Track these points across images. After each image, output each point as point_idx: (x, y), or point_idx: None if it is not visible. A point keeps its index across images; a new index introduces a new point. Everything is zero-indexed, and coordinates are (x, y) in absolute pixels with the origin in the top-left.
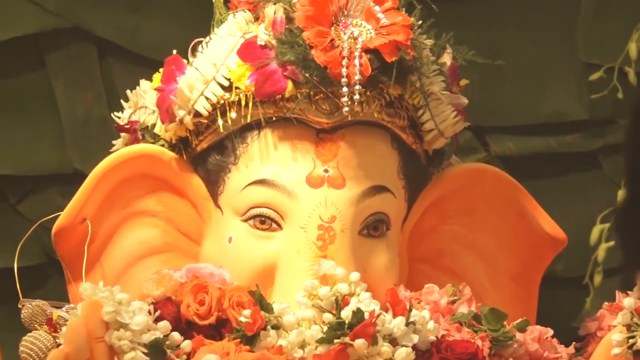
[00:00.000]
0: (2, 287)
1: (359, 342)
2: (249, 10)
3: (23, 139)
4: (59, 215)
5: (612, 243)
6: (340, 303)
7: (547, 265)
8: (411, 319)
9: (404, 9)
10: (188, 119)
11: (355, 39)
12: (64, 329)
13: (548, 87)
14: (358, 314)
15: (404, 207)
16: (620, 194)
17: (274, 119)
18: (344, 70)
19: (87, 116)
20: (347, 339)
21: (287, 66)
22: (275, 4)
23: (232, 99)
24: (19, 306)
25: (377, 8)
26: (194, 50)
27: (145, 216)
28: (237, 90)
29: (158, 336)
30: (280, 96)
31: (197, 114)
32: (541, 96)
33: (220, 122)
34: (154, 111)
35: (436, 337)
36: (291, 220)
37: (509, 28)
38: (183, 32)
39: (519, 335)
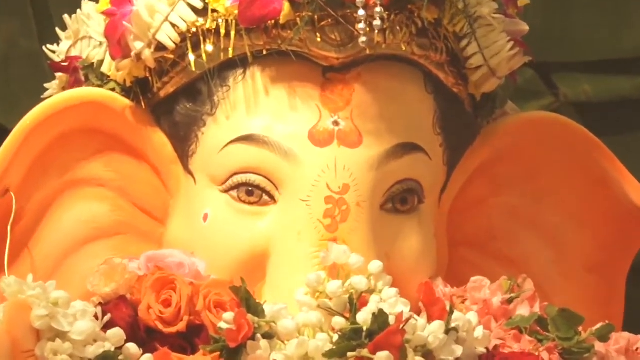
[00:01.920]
0: None
1: (382, 356)
2: None
3: None
4: None
5: None
6: (355, 303)
7: (637, 251)
8: (453, 325)
9: None
10: (148, 54)
11: None
12: None
13: (637, 10)
14: (380, 317)
15: (443, 172)
16: None
17: (264, 52)
18: None
19: (10, 51)
20: (365, 352)
21: None
22: None
23: (207, 25)
24: None
25: None
26: None
27: (90, 186)
28: (215, 15)
29: (108, 348)
30: (273, 22)
31: (161, 47)
32: (628, 22)
33: (191, 57)
34: (100, 43)
35: (487, 348)
36: (289, 191)
37: None
38: None
39: (599, 346)
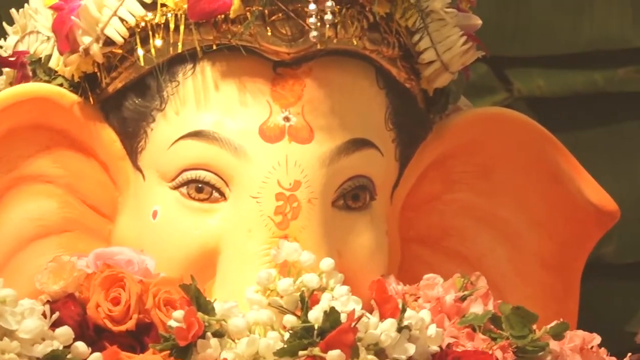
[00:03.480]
0: None
1: (334, 355)
2: None
3: None
4: None
5: None
6: (307, 301)
7: (592, 248)
8: (405, 323)
9: None
10: (96, 49)
11: None
12: None
13: (592, 5)
14: (332, 315)
15: (395, 168)
16: None
17: (214, 47)
18: None
19: None
20: (316, 351)
21: None
22: None
23: (156, 20)
24: None
25: None
26: None
27: (38, 182)
28: (164, 9)
29: (56, 347)
30: (223, 16)
31: (109, 42)
32: (583, 17)
33: (140, 52)
34: (48, 38)
35: (440, 346)
36: (239, 188)
37: None
38: None
39: (553, 344)
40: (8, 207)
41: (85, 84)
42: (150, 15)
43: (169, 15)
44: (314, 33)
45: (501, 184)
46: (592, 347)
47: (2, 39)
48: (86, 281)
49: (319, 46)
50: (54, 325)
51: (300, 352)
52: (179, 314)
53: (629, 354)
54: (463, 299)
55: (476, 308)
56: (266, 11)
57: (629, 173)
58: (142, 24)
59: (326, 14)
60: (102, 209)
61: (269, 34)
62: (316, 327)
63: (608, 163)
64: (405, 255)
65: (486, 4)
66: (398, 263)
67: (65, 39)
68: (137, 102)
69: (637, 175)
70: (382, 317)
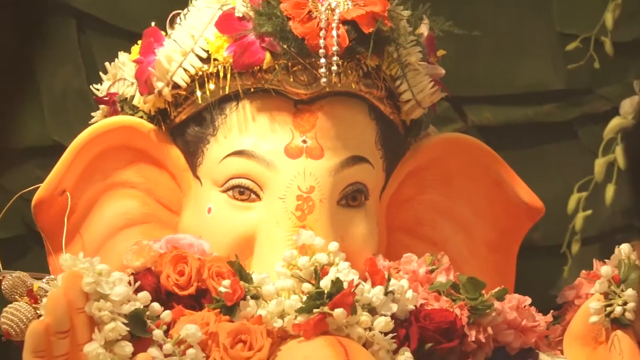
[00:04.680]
0: None
1: (338, 312)
2: None
3: (1, 112)
4: (38, 187)
5: (589, 212)
6: (319, 273)
7: (524, 234)
8: (390, 289)
9: None
10: (166, 91)
11: (333, 10)
12: (44, 300)
13: (524, 57)
14: (337, 283)
15: (382, 177)
16: (598, 163)
17: (252, 90)
18: (321, 41)
19: (66, 89)
20: (326, 309)
21: (265, 38)
22: None
23: (210, 70)
24: (0, 278)
25: None
26: (172, 22)
27: (125, 187)
28: (216, 62)
29: (138, 307)
30: (258, 67)
31: (176, 86)
32: (518, 66)
33: (198, 93)
34: (132, 83)
35: (415, 306)
36: (270, 191)
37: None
38: (161, 4)
39: (497, 304)
40: (103, 206)
41: (159, 117)
42: (205, 66)
43: (219, 66)
44: (323, 79)
45: (458, 188)
46: (525, 306)
47: (99, 84)
48: (159, 259)
49: (327, 89)
50: (136, 291)
51: (314, 310)
52: (226, 282)
53: (552, 311)
54: (432, 271)
55: (441, 278)
56: (289, 63)
57: (551, 180)
58: (200, 73)
59: (333, 65)
60: (172, 206)
61: (291, 80)
62: (325, 292)
63: (536, 173)
64: (389, 240)
65: (447, 58)
66: (384, 246)
67: (145, 84)
68: (196, 129)
69: (556, 182)
70: (373, 285)
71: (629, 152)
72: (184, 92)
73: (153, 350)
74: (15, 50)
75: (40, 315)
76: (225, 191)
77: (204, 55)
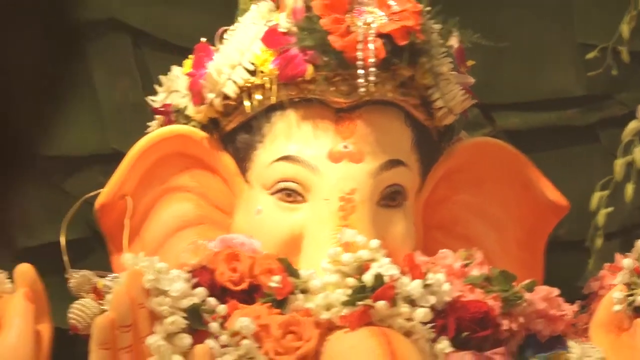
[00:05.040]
0: (52, 260)
1: (380, 304)
2: (271, 0)
3: (64, 126)
4: (100, 192)
5: (610, 209)
6: (362, 268)
7: (551, 231)
8: (428, 282)
9: None
10: (217, 102)
11: (369, 24)
12: (108, 296)
13: (547, 66)
14: (379, 278)
15: (418, 179)
16: (617, 163)
17: (296, 99)
18: (359, 53)
19: (124, 101)
20: (369, 302)
21: (307, 51)
22: None
23: (257, 82)
24: (67, 276)
25: None
26: (221, 38)
27: (180, 192)
28: (262, 74)
29: (195, 302)
30: (301, 79)
31: (226, 97)
32: (541, 75)
33: (247, 103)
34: (185, 95)
35: (451, 298)
36: (315, 193)
37: (509, 12)
38: (210, 21)
39: (527, 295)
40: (160, 209)
41: (211, 125)
42: (253, 78)
43: (265, 78)
44: (362, 89)
45: (489, 189)
46: (553, 297)
47: (155, 96)
48: (214, 257)
49: (366, 98)
50: (193, 287)
51: (358, 303)
52: (277, 278)
53: (578, 301)
54: (466, 266)
55: (475, 272)
56: (330, 75)
57: (574, 180)
58: (248, 84)
59: (370, 76)
60: (224, 209)
61: (332, 90)
62: (368, 286)
63: (560, 174)
64: (426, 238)
65: (475, 68)
66: (422, 243)
67: (197, 95)
68: (245, 137)
69: (579, 182)
70: (412, 279)
71: None
72: (234, 103)
73: (210, 342)
74: (75, 65)
75: (105, 311)
76: (273, 194)
77: (251, 67)
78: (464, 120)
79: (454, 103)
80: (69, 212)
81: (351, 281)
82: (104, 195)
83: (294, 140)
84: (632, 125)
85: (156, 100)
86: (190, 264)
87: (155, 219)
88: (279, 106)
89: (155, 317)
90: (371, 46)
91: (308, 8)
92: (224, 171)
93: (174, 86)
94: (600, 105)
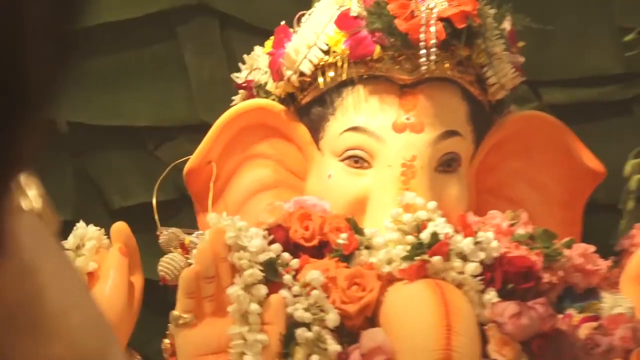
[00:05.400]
0: (144, 219)
1: (436, 259)
2: None
3: (159, 96)
4: (189, 158)
5: None
6: (420, 227)
7: (589, 194)
8: (478, 239)
9: None
10: (294, 78)
11: (431, 9)
12: (194, 251)
13: (590, 47)
14: (434, 236)
15: (472, 147)
16: None
17: (364, 76)
18: (422, 35)
19: (212, 77)
20: (425, 257)
21: (375, 33)
22: None
23: (330, 60)
24: (157, 233)
25: None
26: (299, 21)
27: (260, 158)
28: (335, 54)
29: (271, 256)
30: (369, 58)
31: (302, 74)
32: (584, 55)
33: (320, 80)
34: (266, 72)
35: (499, 253)
36: (379, 160)
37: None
38: (290, 6)
39: (566, 252)
40: (242, 174)
41: (288, 99)
42: (326, 57)
43: (338, 57)
44: (424, 67)
45: (535, 156)
46: (589, 253)
47: (239, 73)
48: (289, 217)
49: (427, 75)
50: (270, 243)
51: (416, 258)
52: (344, 235)
53: (611, 257)
54: (512, 225)
55: (520, 231)
56: (395, 54)
57: (611, 149)
58: (322, 63)
59: (431, 56)
60: (299, 173)
61: (397, 68)
62: (425, 243)
63: (598, 143)
64: (478, 201)
65: (525, 48)
66: (474, 205)
67: (276, 73)
68: (319, 109)
69: (615, 150)
70: (465, 237)
71: None
72: (309, 79)
73: (284, 292)
74: (168, 45)
75: (191, 264)
76: (342, 160)
77: (325, 48)
78: (514, 95)
79: (505, 80)
80: (161, 176)
81: (410, 238)
82: (191, 161)
83: (362, 113)
84: None
85: (240, 77)
86: (267, 222)
87: (237, 183)
88: (349, 82)
89: (235, 270)
90: (432, 29)
91: None
92: (299, 140)
93: (256, 64)
94: (636, 82)
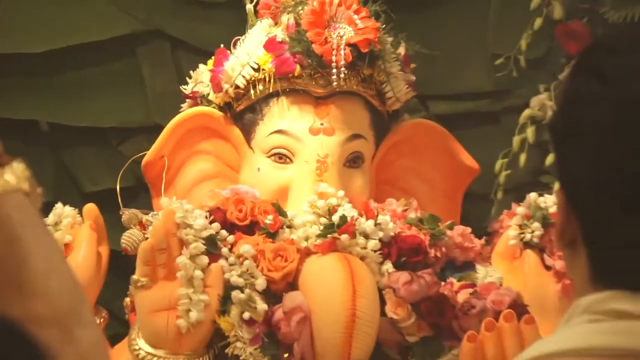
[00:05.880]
0: (110, 201)
1: (344, 237)
2: (271, 17)
3: (121, 103)
4: (145, 153)
5: (509, 171)
6: (331, 211)
7: (466, 186)
8: (378, 221)
9: (373, 17)
10: (231, 90)
11: (341, 37)
12: (150, 228)
13: (468, 68)
14: (343, 218)
15: (373, 148)
16: (515, 139)
17: (287, 90)
18: (333, 57)
19: (164, 88)
20: (336, 235)
21: (296, 55)
22: (288, 14)
23: (260, 76)
24: (120, 213)
25: (355, 16)
26: (235, 44)
27: (203, 154)
28: (263, 71)
29: (212, 233)
30: (291, 75)
31: (237, 87)
32: (463, 74)
33: (252, 92)
34: (208, 85)
35: (394, 233)
36: (299, 157)
37: (442, 30)
38: (228, 33)
39: (448, 232)
40: (188, 166)
41: (225, 107)
42: (257, 74)
43: (266, 74)
44: (334, 83)
45: (423, 156)
46: (467, 233)
47: (186, 86)
48: (226, 201)
49: (337, 89)
50: (211, 222)
51: (328, 235)
52: (270, 217)
53: (484, 237)
54: (405, 210)
55: (412, 215)
56: (312, 72)
57: (484, 151)
58: (253, 78)
59: (341, 74)
60: (234, 167)
61: (313, 83)
62: (335, 223)
63: (474, 146)
64: (377, 191)
65: (416, 69)
66: (374, 194)
67: (217, 86)
68: (250, 116)
69: (487, 152)
70: (367, 219)
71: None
72: (242, 91)
73: (222, 262)
74: (129, 62)
75: (147, 238)
76: (269, 157)
77: (256, 66)
78: (407, 106)
79: (400, 94)
80: (123, 167)
81: (323, 220)
82: (148, 155)
83: (285, 119)
84: (526, 113)
85: (187, 89)
86: (209, 205)
87: (184, 174)
88: (275, 94)
89: (183, 244)
90: (342, 52)
91: (297, 24)
92: (235, 140)
93: (200, 78)
94: (504, 97)
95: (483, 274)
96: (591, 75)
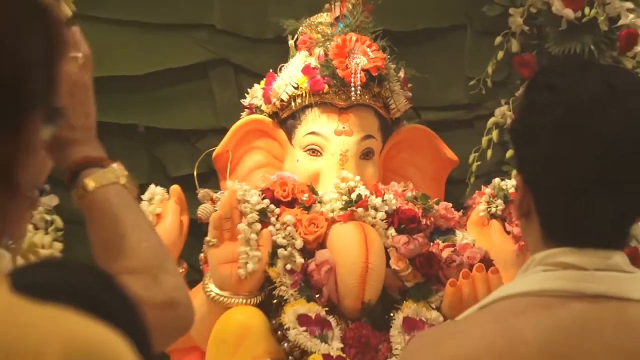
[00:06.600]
0: (189, 183)
1: (360, 210)
2: (307, 50)
3: (197, 113)
4: (215, 149)
5: (479, 162)
6: (350, 191)
7: (448, 173)
8: (384, 199)
9: (381, 50)
10: (277, 103)
11: (358, 64)
12: (218, 203)
13: (450, 86)
14: (359, 196)
15: (381, 145)
16: (484, 139)
17: (318, 102)
18: (352, 79)
19: (229, 101)
20: (353, 208)
21: (325, 77)
22: (319, 47)
23: (298, 93)
24: (197, 192)
25: (368, 49)
26: (280, 69)
27: (257, 149)
28: (301, 89)
29: (263, 206)
30: (322, 91)
31: (282, 100)
32: (447, 91)
33: (293, 104)
34: (261, 99)
35: (396, 207)
36: (327, 152)
37: (429, 58)
38: (275, 61)
39: (435, 206)
40: (246, 159)
41: (274, 115)
42: (296, 91)
43: (303, 91)
44: (353, 98)
45: (417, 150)
46: (449, 207)
47: (245, 99)
48: (274, 184)
49: (355, 102)
50: (262, 198)
51: (349, 209)
52: (306, 195)
53: (462, 210)
54: (404, 191)
55: (409, 194)
56: (337, 89)
57: (461, 148)
58: (293, 94)
59: (358, 91)
60: (280, 158)
61: (338, 98)
62: (353, 200)
63: (456, 145)
64: (384, 177)
65: (412, 88)
66: (381, 179)
67: (267, 99)
68: (291, 121)
69: (464, 148)
70: (376, 197)
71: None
72: (286, 103)
73: (270, 227)
74: (203, 82)
75: (216, 210)
76: (305, 151)
77: (296, 85)
78: (405, 115)
79: (400, 106)
80: (198, 159)
81: (345, 197)
82: (217, 150)
83: (317, 123)
84: (492, 120)
85: (245, 101)
86: (261, 186)
87: (243, 163)
88: (309, 106)
89: (242, 214)
90: (358, 75)
91: (326, 55)
92: (280, 139)
93: (255, 94)
94: (476, 109)
95: (461, 237)
96: (543, 88)
